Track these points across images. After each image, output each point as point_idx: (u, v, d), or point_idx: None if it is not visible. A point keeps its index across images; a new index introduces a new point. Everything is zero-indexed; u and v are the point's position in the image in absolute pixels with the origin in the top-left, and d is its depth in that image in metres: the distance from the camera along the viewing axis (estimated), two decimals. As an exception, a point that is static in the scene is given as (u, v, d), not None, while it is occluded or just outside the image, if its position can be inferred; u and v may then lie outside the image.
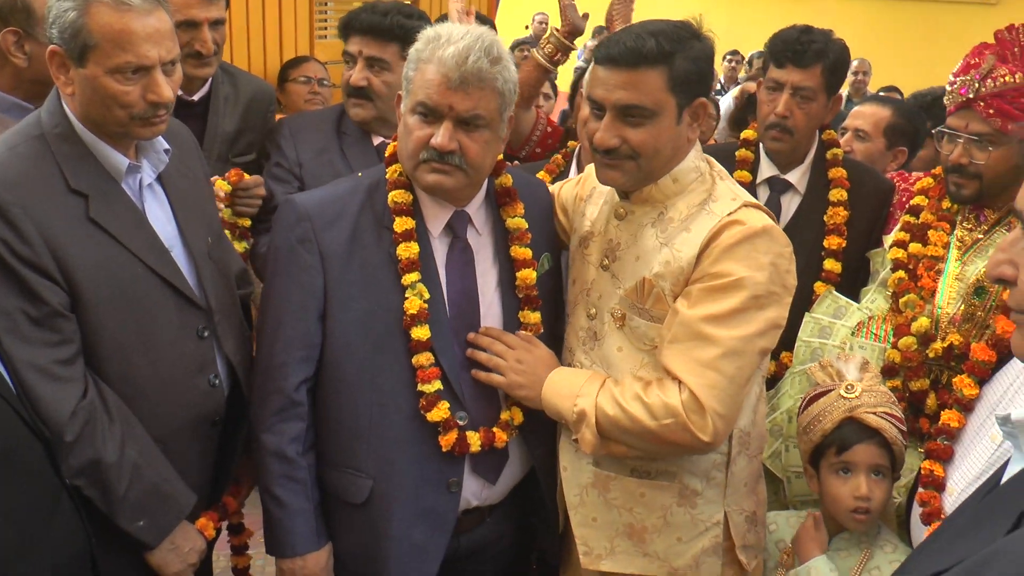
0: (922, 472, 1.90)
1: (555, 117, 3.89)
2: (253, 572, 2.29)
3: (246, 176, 2.53)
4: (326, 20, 3.97)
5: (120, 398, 1.73)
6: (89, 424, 1.66)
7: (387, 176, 1.83)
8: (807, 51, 2.39)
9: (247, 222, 2.57)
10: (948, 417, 1.92)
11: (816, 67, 2.39)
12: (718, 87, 8.60)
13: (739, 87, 3.74)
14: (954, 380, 1.99)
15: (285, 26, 3.65)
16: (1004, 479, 1.12)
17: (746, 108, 3.33)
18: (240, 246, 2.46)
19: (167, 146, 1.84)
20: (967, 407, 1.92)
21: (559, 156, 2.67)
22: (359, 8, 2.72)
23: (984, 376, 1.94)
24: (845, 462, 1.95)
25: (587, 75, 2.49)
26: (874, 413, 1.92)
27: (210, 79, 2.70)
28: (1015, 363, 1.86)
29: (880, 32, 11.06)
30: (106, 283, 1.69)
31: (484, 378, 1.84)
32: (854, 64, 7.58)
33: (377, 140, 2.70)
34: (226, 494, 2.03)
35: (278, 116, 3.12)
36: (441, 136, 1.68)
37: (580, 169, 2.54)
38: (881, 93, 6.35)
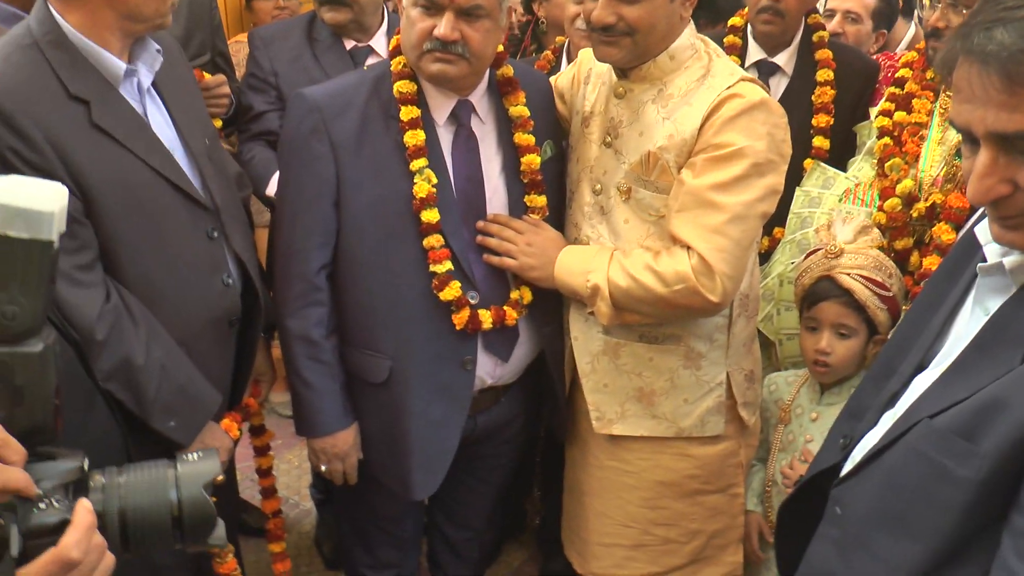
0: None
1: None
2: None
3: (207, 75, 2.57)
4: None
5: (141, 301, 1.80)
6: (116, 326, 1.73)
7: (392, 68, 1.92)
8: None
9: (219, 123, 2.63)
10: (929, 263, 2.13)
11: None
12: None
13: None
14: (932, 229, 2.18)
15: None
16: (973, 303, 1.23)
17: None
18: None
19: (158, 46, 1.89)
20: (946, 252, 2.08)
21: (549, 52, 2.75)
22: None
23: (960, 222, 2.13)
24: (813, 318, 2.13)
25: None
26: (848, 274, 2.07)
27: None
28: None
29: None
30: (116, 189, 1.74)
31: (497, 262, 1.97)
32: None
33: (350, 45, 2.76)
34: (247, 395, 2.14)
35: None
36: (444, 27, 1.78)
37: (571, 63, 2.62)
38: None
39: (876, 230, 2.20)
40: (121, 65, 1.78)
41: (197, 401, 1.89)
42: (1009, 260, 1.14)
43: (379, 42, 2.78)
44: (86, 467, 1.00)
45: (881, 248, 2.21)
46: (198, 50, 2.86)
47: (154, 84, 1.89)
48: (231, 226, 1.97)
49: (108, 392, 1.74)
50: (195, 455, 1.06)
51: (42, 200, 0.94)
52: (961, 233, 2.10)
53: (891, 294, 2.08)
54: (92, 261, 1.73)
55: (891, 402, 1.30)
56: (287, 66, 2.72)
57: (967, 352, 1.17)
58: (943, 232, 2.14)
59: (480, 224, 1.96)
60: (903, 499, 1.15)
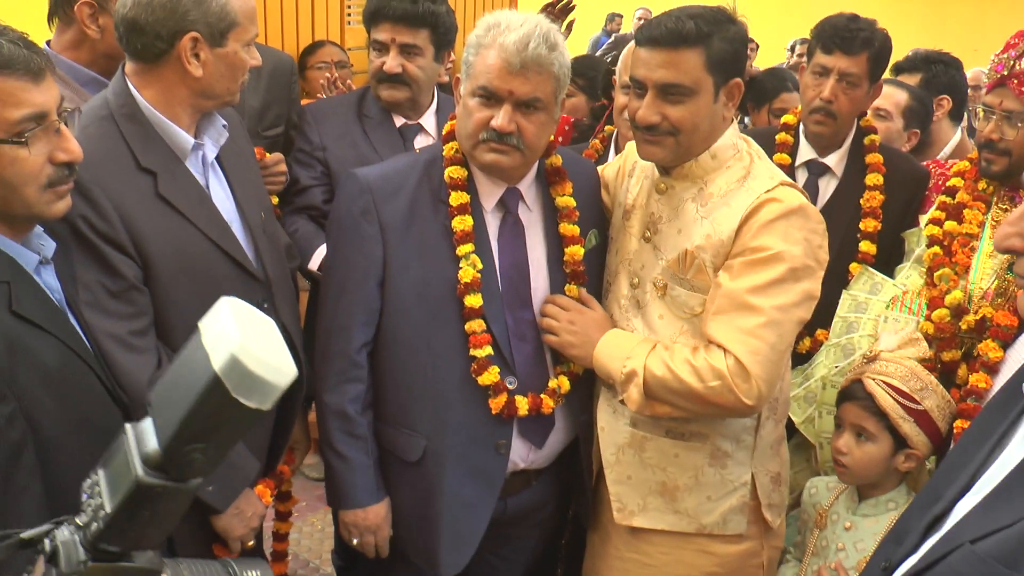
0: (954, 432, 2.08)
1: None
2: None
3: (267, 155, 2.68)
4: (351, 6, 4.09)
5: None
6: None
7: (444, 153, 2.01)
8: (855, 39, 2.54)
9: (275, 199, 2.72)
10: (976, 379, 2.12)
11: (863, 55, 2.55)
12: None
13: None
14: (979, 346, 2.18)
15: (317, 12, 3.81)
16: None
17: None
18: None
19: (224, 121, 2.00)
20: (993, 369, 2.12)
21: (597, 141, 2.83)
22: None
23: (1007, 340, 2.13)
24: (838, 416, 2.18)
25: (622, 59, 2.62)
26: (873, 379, 2.10)
27: None
28: None
29: (931, 23, 11.39)
30: (175, 258, 1.85)
31: (543, 339, 2.02)
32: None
33: (399, 122, 2.84)
34: (281, 462, 2.20)
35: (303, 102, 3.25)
36: (501, 119, 1.86)
37: (618, 152, 2.69)
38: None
39: (924, 343, 2.20)
40: (189, 140, 1.90)
41: (237, 469, 1.95)
42: None
43: (428, 120, 2.87)
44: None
45: (928, 360, 2.21)
46: (274, 121, 2.97)
47: (217, 157, 2.00)
48: (280, 298, 2.06)
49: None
50: (255, 573, 1.07)
51: (278, 373, 0.90)
52: (1008, 351, 2.11)
53: (921, 408, 2.09)
54: (147, 327, 1.82)
55: (935, 526, 1.31)
56: (336, 141, 2.80)
57: (1011, 477, 1.18)
58: (990, 349, 2.14)
59: (542, 307, 2.03)
60: None
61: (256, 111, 2.91)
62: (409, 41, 2.75)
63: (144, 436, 0.94)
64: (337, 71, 3.84)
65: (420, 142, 2.83)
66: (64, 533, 0.97)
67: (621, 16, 12.19)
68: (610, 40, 9.81)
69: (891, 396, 2.08)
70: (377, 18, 2.79)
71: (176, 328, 1.86)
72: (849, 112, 2.61)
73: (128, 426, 0.97)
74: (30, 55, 1.49)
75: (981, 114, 2.32)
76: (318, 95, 3.67)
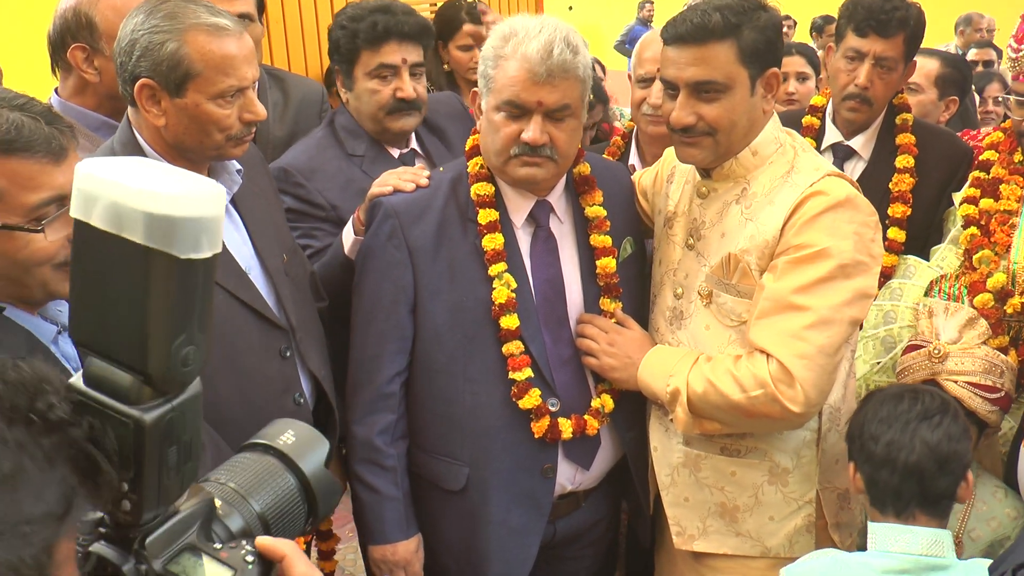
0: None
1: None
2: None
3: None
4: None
5: (208, 423, 1.78)
6: None
7: (468, 170, 1.94)
8: (891, 20, 2.43)
9: None
10: None
11: (899, 36, 2.44)
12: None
13: None
14: None
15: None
16: None
17: None
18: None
19: (239, 167, 1.90)
20: None
21: (618, 138, 2.74)
22: (380, 8, 2.38)
23: None
24: None
25: (635, 53, 2.56)
26: (955, 381, 2.00)
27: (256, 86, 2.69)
28: None
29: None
30: None
31: (583, 361, 1.96)
32: (981, 20, 7.51)
33: (396, 152, 2.46)
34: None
35: None
36: (533, 131, 1.78)
37: (639, 149, 2.64)
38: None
39: (982, 321, 2.10)
40: None
41: None
42: None
43: (414, 143, 2.52)
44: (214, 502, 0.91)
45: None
46: None
47: (233, 200, 1.90)
48: (306, 343, 1.97)
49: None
50: (289, 435, 1.00)
51: (209, 202, 0.76)
52: None
53: (1002, 393, 2.01)
54: None
55: None
56: (341, 195, 2.34)
57: None
58: None
59: (578, 327, 1.97)
60: None
61: (282, 141, 2.71)
62: (418, 60, 2.39)
63: (113, 381, 0.78)
64: None
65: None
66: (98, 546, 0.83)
67: (652, 3, 12.08)
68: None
69: (978, 396, 1.99)
70: (386, 37, 2.35)
71: None
72: (884, 97, 2.50)
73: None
74: (52, 132, 1.40)
75: (1013, 102, 2.22)
76: None
